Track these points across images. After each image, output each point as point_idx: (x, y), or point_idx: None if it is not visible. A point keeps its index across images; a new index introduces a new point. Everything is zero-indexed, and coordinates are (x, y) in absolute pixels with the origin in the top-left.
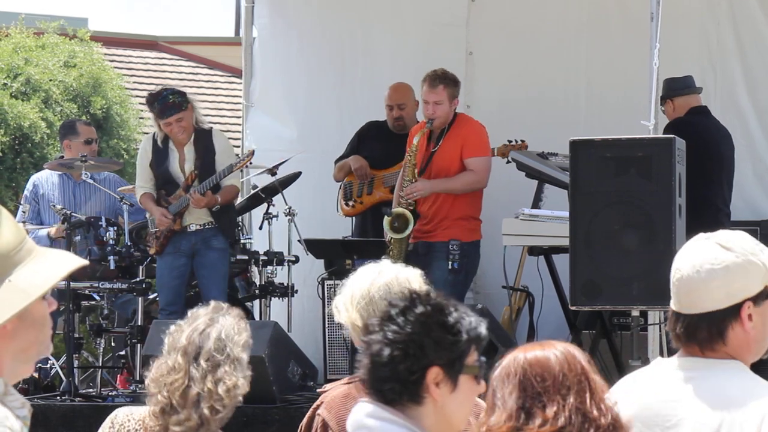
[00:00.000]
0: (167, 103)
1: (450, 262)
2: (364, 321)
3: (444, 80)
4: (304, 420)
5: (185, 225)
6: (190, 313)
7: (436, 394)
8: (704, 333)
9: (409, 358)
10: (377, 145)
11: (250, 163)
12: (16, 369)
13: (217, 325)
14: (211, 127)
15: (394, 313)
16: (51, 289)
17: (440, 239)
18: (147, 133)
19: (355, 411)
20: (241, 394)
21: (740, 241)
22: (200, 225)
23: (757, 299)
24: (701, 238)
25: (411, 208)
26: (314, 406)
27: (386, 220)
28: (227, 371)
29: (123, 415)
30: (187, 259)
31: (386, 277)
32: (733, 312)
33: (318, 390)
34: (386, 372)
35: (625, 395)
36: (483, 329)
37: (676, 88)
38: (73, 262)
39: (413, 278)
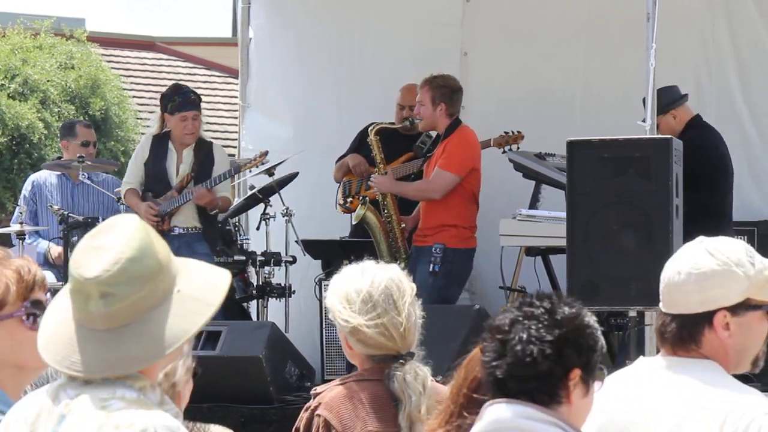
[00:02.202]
0: (189, 98)
1: (431, 265)
2: (375, 326)
3: (430, 82)
4: (302, 422)
5: (172, 225)
6: None
7: (573, 396)
8: (676, 333)
9: (560, 357)
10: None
11: (263, 163)
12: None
13: None
14: (212, 141)
15: (540, 312)
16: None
17: (427, 243)
18: (145, 134)
19: (499, 411)
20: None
21: (728, 249)
22: (185, 229)
23: (735, 309)
24: (695, 242)
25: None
26: (311, 407)
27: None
28: None
29: None
30: None
31: (384, 280)
32: (706, 318)
33: (312, 392)
34: (531, 371)
35: (599, 397)
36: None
37: (675, 98)
38: (225, 271)
39: (402, 277)
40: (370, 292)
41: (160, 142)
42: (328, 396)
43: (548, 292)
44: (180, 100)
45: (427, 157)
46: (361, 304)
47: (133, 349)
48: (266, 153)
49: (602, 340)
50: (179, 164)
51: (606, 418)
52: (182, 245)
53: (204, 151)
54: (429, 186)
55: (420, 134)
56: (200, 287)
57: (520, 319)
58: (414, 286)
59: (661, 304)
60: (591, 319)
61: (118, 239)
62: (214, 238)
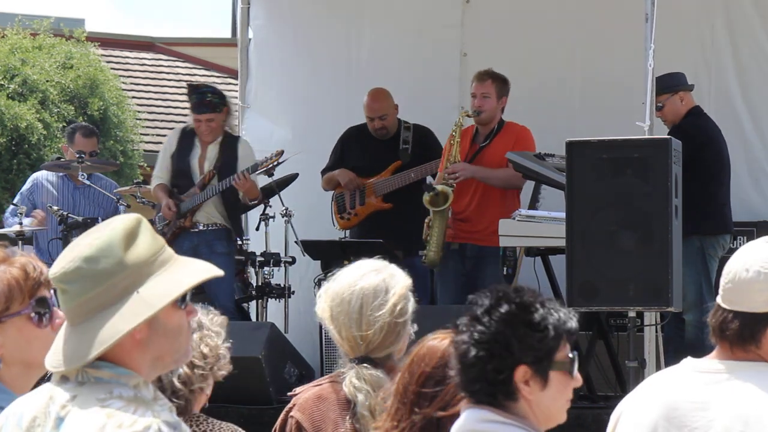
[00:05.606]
0: (204, 100)
1: (505, 268)
2: (333, 319)
3: (492, 76)
4: (278, 423)
5: (195, 221)
6: None
7: (526, 392)
8: (737, 332)
9: (494, 358)
10: (362, 152)
11: (278, 163)
12: (154, 376)
13: None
14: (239, 136)
15: (480, 312)
16: (176, 300)
17: (491, 243)
18: (144, 134)
19: (464, 420)
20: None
21: None
22: (206, 225)
23: None
24: (765, 240)
25: (452, 187)
26: (287, 408)
27: (427, 196)
28: (205, 333)
29: None
30: None
31: (360, 286)
32: None
33: (289, 393)
34: (474, 372)
35: (652, 394)
36: (572, 323)
37: (684, 82)
38: (203, 272)
39: (389, 283)
40: (344, 296)
41: (188, 136)
42: (303, 397)
43: (506, 289)
44: (195, 101)
45: (481, 147)
46: (330, 302)
47: (75, 345)
48: (282, 152)
49: (560, 330)
50: (203, 160)
51: (665, 410)
52: (201, 243)
53: (229, 147)
54: (518, 175)
55: (396, 138)
56: (158, 290)
57: (468, 321)
58: (399, 290)
59: (719, 299)
60: (536, 312)
61: (88, 238)
62: (237, 231)
